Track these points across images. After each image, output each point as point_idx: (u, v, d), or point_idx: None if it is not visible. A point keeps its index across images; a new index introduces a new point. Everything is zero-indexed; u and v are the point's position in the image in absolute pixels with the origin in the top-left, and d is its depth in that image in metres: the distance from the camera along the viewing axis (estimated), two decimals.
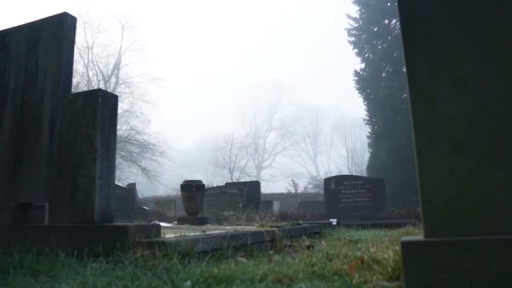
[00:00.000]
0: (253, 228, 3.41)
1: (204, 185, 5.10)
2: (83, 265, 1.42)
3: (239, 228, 3.82)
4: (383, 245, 3.01)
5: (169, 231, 2.77)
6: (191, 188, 4.89)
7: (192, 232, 2.55)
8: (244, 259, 1.93)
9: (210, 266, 1.50)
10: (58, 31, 2.19)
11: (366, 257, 1.85)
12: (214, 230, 3.00)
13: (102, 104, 1.90)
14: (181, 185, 5.02)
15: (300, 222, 3.81)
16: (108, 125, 1.92)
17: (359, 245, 3.02)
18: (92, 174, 1.83)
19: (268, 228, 2.71)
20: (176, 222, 4.98)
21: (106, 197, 1.87)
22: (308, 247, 2.66)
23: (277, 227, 3.13)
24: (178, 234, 2.08)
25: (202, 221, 4.81)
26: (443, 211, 1.24)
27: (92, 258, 1.56)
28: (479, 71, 1.31)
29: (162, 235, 1.91)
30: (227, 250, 1.98)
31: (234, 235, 2.11)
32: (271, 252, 2.40)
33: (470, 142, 1.27)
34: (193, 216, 4.88)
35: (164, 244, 1.57)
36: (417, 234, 3.69)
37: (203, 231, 2.61)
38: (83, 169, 1.86)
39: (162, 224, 4.86)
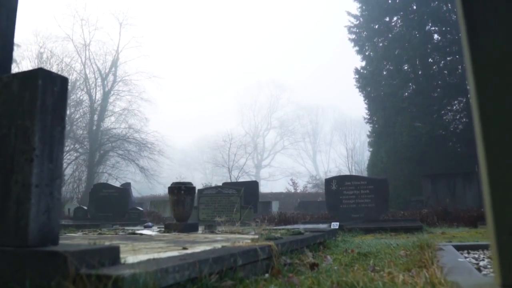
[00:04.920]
0: (246, 239, 2.96)
1: (194, 187, 4.64)
2: None
3: (231, 237, 3.38)
4: (400, 261, 2.56)
5: (143, 246, 2.33)
6: (180, 191, 4.43)
7: (170, 249, 2.10)
8: None
9: None
10: None
11: None
12: (199, 244, 2.55)
13: (44, 88, 1.45)
14: (169, 188, 4.56)
15: (301, 230, 3.36)
16: (53, 115, 1.47)
17: (372, 261, 2.58)
18: (28, 180, 1.38)
19: (264, 243, 2.25)
20: (163, 229, 4.53)
21: (48, 211, 1.42)
22: (312, 266, 2.21)
23: (275, 239, 2.68)
24: (146, 257, 1.62)
25: (192, 228, 4.36)
26: None
27: None
28: None
29: (122, 261, 1.46)
30: (208, 278, 1.52)
31: (219, 257, 1.66)
32: (266, 276, 1.94)
33: None
34: (181, 222, 4.42)
35: (111, 280, 1.12)
36: (433, 245, 3.23)
37: (184, 248, 2.16)
38: (17, 173, 1.41)
39: (145, 232, 4.42)
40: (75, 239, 3.08)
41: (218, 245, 2.28)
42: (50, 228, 1.42)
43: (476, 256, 3.10)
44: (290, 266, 2.20)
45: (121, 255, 1.76)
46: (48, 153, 1.44)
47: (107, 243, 2.66)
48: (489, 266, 2.56)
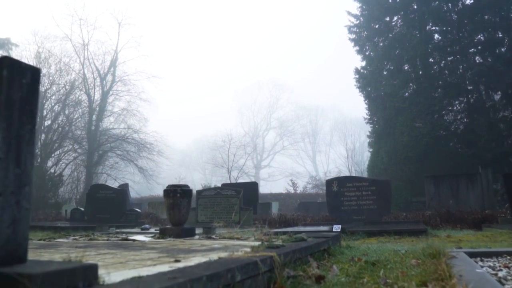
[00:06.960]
0: (246, 246, 2.76)
1: (191, 190, 4.43)
2: None
3: (230, 243, 3.17)
4: (413, 272, 2.35)
5: (132, 256, 2.12)
6: (176, 194, 4.21)
7: (161, 262, 1.89)
8: None
9: None
10: None
11: None
12: (194, 253, 2.35)
13: (10, 80, 1.25)
14: (164, 190, 4.35)
15: (304, 236, 3.16)
16: (21, 112, 1.27)
17: (382, 272, 2.37)
18: None
19: (265, 253, 2.05)
20: (158, 234, 4.32)
21: (13, 223, 1.21)
22: (318, 279, 2.01)
23: (277, 247, 2.48)
24: (131, 274, 1.42)
25: (188, 233, 4.15)
26: None
27: None
28: None
29: (101, 281, 1.25)
30: None
31: (214, 274, 1.45)
32: None
33: None
34: (177, 227, 4.21)
35: None
36: (446, 253, 3.03)
37: (177, 260, 1.95)
38: None
39: (139, 238, 4.21)
40: (60, 248, 2.87)
41: (215, 256, 2.08)
42: (16, 244, 1.22)
43: (492, 264, 2.90)
44: (294, 279, 2.00)
45: (104, 271, 1.56)
46: (15, 155, 1.24)
47: (93, 253, 2.46)
48: (509, 278, 2.36)
